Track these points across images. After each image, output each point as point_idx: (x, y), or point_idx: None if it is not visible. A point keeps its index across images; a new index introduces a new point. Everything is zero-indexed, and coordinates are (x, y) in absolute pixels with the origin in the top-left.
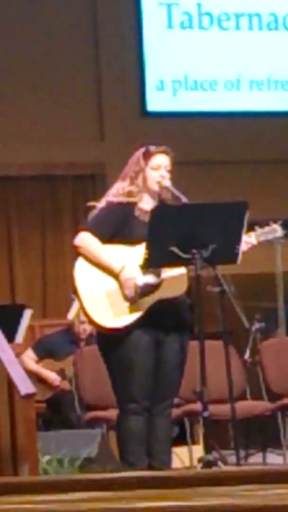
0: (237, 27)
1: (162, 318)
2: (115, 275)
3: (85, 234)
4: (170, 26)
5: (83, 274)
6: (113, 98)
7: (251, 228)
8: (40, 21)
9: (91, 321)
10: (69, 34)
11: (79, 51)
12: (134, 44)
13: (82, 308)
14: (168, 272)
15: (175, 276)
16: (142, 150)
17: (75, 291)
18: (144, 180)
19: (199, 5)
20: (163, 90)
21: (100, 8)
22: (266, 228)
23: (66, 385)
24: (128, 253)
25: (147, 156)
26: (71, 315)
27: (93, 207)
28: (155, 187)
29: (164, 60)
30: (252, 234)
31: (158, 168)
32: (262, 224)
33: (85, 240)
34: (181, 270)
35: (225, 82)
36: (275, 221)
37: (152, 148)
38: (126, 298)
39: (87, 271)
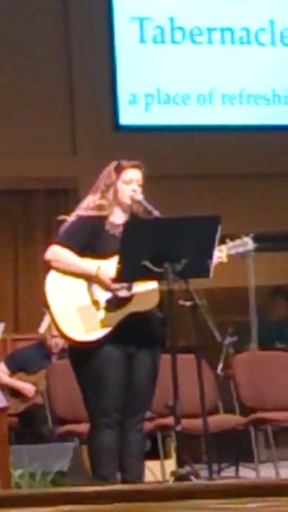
0: (210, 41)
1: (134, 332)
2: (92, 276)
3: (57, 247)
4: (142, 40)
5: (55, 288)
6: (85, 112)
7: (222, 241)
8: (12, 35)
9: (62, 335)
10: (41, 48)
11: (51, 65)
12: (106, 58)
13: (53, 321)
14: (140, 287)
15: (146, 290)
16: (114, 164)
17: (46, 305)
18: (115, 193)
19: (171, 19)
20: (136, 104)
21: (72, 22)
22: (237, 241)
23: (38, 399)
24: (99, 265)
25: (119, 170)
26: (42, 328)
27: (64, 220)
28: (127, 201)
29: (136, 74)
30: (223, 247)
31: (130, 182)
32: (233, 237)
33: (57, 252)
34: (153, 285)
35: (197, 96)
36: (246, 234)
37: (124, 162)
38: (108, 288)
39: (59, 285)
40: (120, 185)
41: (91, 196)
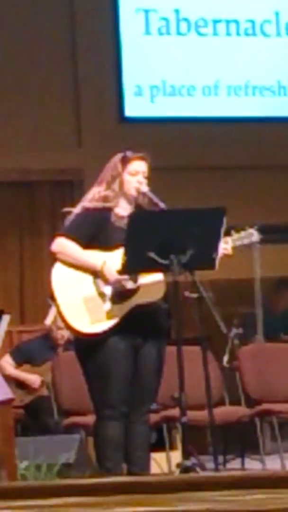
0: (215, 33)
1: (139, 324)
2: (97, 271)
3: (62, 239)
4: (147, 32)
5: (61, 280)
6: (91, 104)
7: (227, 233)
8: (16, 26)
9: (68, 326)
10: (47, 39)
11: (56, 57)
12: (112, 50)
13: (59, 313)
14: (145, 278)
15: (152, 282)
16: (120, 155)
17: (52, 297)
18: (121, 185)
19: (176, 11)
20: (141, 96)
21: (77, 14)
22: (242, 233)
23: (44, 391)
24: (106, 258)
25: (124, 161)
26: (48, 320)
27: (69, 212)
28: (133, 192)
29: (141, 66)
30: (229, 238)
31: (136, 174)
32: (238, 229)
33: (63, 245)
34: (158, 276)
35: (202, 87)
36: (251, 226)
37: (129, 153)
38: (109, 282)
39: (65, 277)
40: (126, 176)
41: (97, 188)
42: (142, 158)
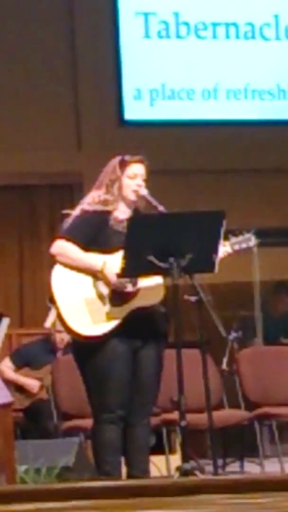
0: (214, 36)
1: (138, 327)
2: (97, 272)
3: (62, 241)
4: (147, 35)
5: (60, 282)
6: (90, 107)
7: (225, 237)
8: (16, 29)
9: (67, 329)
10: (46, 42)
11: (56, 61)
12: (111, 53)
13: (58, 315)
14: (145, 282)
15: (151, 286)
16: (118, 159)
17: (51, 299)
18: (120, 188)
19: (176, 14)
20: (141, 99)
21: (77, 17)
22: (240, 237)
23: (43, 394)
24: (105, 260)
25: (123, 165)
26: (48, 322)
27: (68, 215)
28: (132, 196)
29: (141, 69)
30: (227, 243)
31: (135, 177)
32: (236, 233)
33: (62, 246)
34: (158, 280)
35: (202, 91)
36: (248, 230)
37: (127, 157)
38: (110, 285)
39: (64, 279)
40: (124, 180)
41: (95, 191)
42: (140, 161)
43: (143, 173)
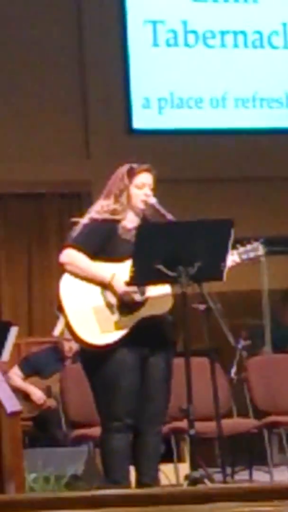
0: (223, 44)
1: (147, 336)
2: (106, 284)
3: (71, 250)
4: (155, 44)
5: (69, 291)
6: (99, 116)
7: (233, 246)
8: (25, 40)
9: (75, 338)
10: (55, 53)
11: (65, 69)
12: (119, 62)
13: (67, 324)
14: (153, 291)
15: (159, 295)
16: (126, 168)
17: (60, 308)
18: (129, 198)
19: (184, 22)
20: (149, 108)
21: (85, 26)
22: (248, 246)
23: (52, 403)
24: (114, 270)
25: (131, 174)
26: (57, 331)
27: (77, 223)
28: (141, 205)
29: (149, 78)
30: (235, 252)
31: (142, 187)
32: (244, 242)
33: (71, 255)
34: (166, 290)
35: (210, 99)
36: (256, 239)
37: (135, 166)
38: (119, 296)
39: (73, 288)
40: (133, 190)
41: (104, 200)
42: (147, 170)
43: (150, 182)
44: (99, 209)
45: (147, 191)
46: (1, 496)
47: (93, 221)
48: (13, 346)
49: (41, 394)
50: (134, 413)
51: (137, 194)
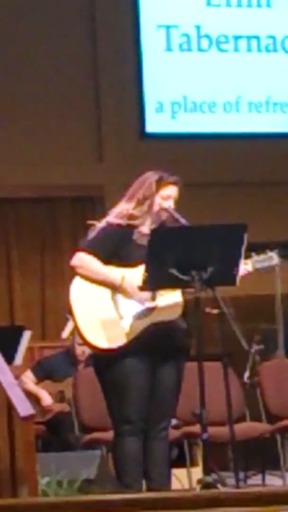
0: (236, 49)
1: (158, 341)
2: (116, 286)
3: (83, 254)
4: (169, 48)
5: (79, 294)
6: (112, 120)
7: (247, 255)
8: (38, 44)
9: (84, 341)
10: (69, 56)
11: (78, 73)
12: (133, 66)
13: (76, 327)
14: (163, 300)
15: (169, 304)
16: (155, 177)
17: (70, 311)
18: (151, 206)
19: (198, 27)
20: (162, 112)
21: (99, 31)
22: (262, 256)
23: (65, 407)
24: (125, 273)
25: (159, 184)
26: (65, 333)
27: (92, 225)
28: (163, 216)
29: (163, 82)
30: (249, 261)
31: (168, 199)
32: (258, 251)
33: (83, 259)
34: (176, 298)
35: (224, 104)
36: (271, 248)
37: (165, 176)
38: (129, 296)
39: (83, 291)
40: (158, 199)
41: (126, 204)
42: (176, 184)
43: (176, 195)
44: (119, 211)
45: (171, 203)
46: (14, 500)
47: (109, 225)
48: (26, 350)
49: (50, 400)
50: (145, 417)
51: (160, 204)
